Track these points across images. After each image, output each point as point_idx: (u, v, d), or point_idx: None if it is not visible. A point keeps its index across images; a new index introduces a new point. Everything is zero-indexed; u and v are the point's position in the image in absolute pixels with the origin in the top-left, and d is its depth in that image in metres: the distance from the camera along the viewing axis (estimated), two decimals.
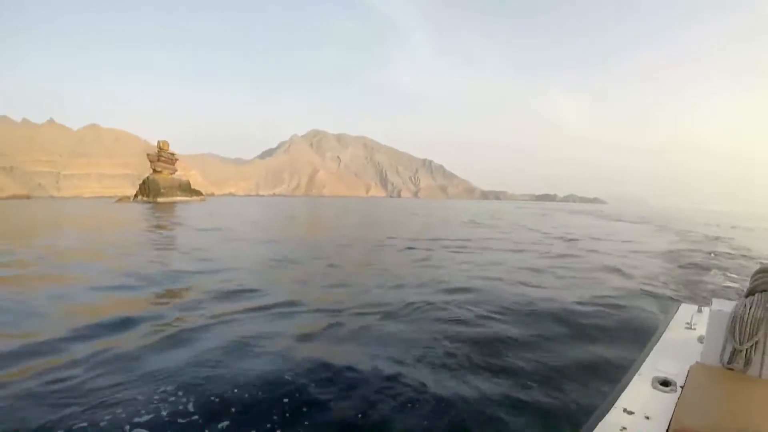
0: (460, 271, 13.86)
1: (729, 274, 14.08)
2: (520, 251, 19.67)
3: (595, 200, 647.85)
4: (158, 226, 32.18)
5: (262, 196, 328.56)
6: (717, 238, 29.53)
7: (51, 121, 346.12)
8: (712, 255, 19.41)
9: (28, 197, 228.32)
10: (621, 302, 9.41)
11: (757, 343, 2.48)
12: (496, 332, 7.42)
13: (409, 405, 4.92)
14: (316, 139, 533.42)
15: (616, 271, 14.18)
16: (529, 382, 5.50)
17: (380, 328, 7.63)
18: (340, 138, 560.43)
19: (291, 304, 8.99)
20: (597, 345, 6.75)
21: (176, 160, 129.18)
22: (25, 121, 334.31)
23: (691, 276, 13.54)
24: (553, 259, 17.13)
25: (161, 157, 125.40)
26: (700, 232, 35.50)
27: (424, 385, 5.39)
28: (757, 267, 2.74)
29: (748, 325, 2.50)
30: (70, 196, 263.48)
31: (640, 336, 6.30)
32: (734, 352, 2.54)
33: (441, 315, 8.40)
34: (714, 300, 3.92)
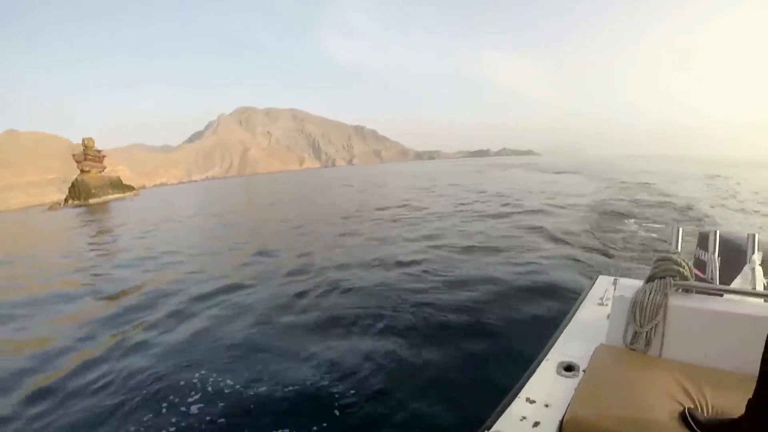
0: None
1: (644, 224, 15.05)
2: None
3: (528, 152, 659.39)
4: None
5: (195, 181, 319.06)
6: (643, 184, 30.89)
7: None
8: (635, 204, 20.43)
9: None
10: (541, 273, 9.54)
11: (657, 325, 2.83)
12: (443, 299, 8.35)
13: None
14: (244, 116, 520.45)
15: (540, 231, 14.62)
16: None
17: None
18: (269, 113, 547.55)
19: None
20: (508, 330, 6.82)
21: (104, 156, 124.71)
22: None
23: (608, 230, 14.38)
24: (482, 221, 17.98)
25: (87, 155, 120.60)
26: (627, 180, 36.30)
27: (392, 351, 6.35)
28: (658, 255, 3.15)
29: (648, 309, 2.84)
30: None
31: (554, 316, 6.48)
32: (636, 335, 2.88)
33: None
34: (619, 280, 4.61)
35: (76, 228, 38.53)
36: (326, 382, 5.70)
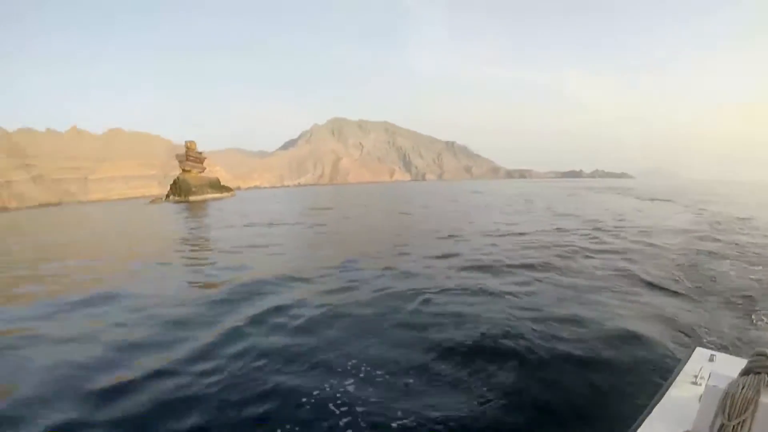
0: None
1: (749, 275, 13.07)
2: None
3: (622, 175, 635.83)
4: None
5: (287, 186, 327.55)
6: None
7: (74, 128, 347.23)
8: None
9: (59, 204, 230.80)
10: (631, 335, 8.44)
11: (744, 421, 2.62)
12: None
13: None
14: (337, 127, 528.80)
15: (629, 275, 13.28)
16: None
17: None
18: (361, 124, 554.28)
19: None
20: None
21: (204, 158, 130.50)
22: (49, 130, 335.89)
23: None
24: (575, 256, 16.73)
25: (189, 156, 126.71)
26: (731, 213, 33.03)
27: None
28: (756, 350, 2.90)
29: (738, 403, 2.66)
30: (97, 200, 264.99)
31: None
32: (722, 427, 2.67)
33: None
34: (717, 356, 4.23)
35: (188, 218, 40.93)
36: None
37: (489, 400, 6.17)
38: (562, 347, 7.73)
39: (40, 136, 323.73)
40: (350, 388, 6.69)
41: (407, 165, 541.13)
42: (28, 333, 10.02)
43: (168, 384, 7.17)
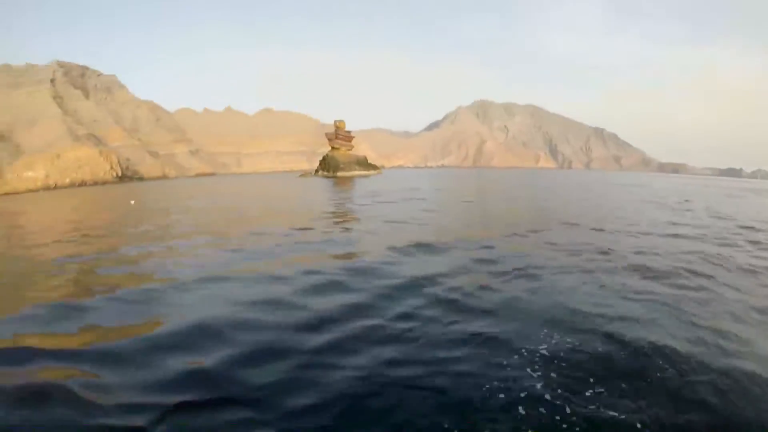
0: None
1: None
2: None
3: None
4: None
5: (431, 167, 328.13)
6: None
7: (229, 108, 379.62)
8: None
9: (213, 174, 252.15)
10: None
11: None
12: None
13: None
14: (482, 109, 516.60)
15: None
16: None
17: None
18: (506, 107, 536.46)
19: None
20: None
21: (352, 137, 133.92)
22: (205, 110, 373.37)
23: None
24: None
25: (338, 135, 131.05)
26: None
27: None
28: None
29: None
30: (249, 172, 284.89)
31: None
32: None
33: None
34: None
35: (340, 190, 43.50)
36: None
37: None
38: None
39: (197, 115, 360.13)
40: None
41: (553, 151, 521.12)
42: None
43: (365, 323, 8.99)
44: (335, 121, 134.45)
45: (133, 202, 54.65)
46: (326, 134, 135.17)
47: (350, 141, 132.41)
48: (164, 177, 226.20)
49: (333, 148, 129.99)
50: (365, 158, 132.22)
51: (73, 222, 31.90)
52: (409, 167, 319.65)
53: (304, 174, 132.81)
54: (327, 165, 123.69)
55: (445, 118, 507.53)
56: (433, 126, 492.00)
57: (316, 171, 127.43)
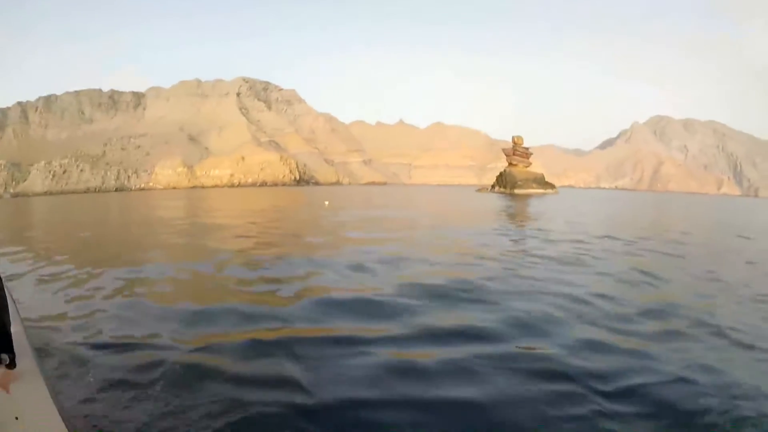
0: None
1: None
2: None
3: None
4: None
5: (603, 188, 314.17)
6: None
7: (401, 122, 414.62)
8: None
9: (384, 184, 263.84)
10: None
11: None
12: None
13: None
14: (659, 127, 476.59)
15: None
16: None
17: None
18: (686, 124, 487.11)
19: None
20: None
21: (530, 153, 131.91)
22: (378, 123, 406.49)
23: None
24: None
25: (516, 151, 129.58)
26: None
27: None
28: None
29: None
30: (419, 184, 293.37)
31: None
32: None
33: None
34: None
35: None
36: None
37: None
38: None
39: (371, 128, 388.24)
40: None
41: (737, 176, 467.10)
42: None
43: None
44: (513, 137, 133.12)
45: (327, 203, 56.96)
46: (503, 150, 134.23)
47: (528, 157, 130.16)
48: (338, 183, 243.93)
49: (510, 164, 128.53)
50: (542, 176, 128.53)
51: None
52: (580, 187, 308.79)
53: (481, 189, 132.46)
54: (504, 181, 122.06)
55: (619, 135, 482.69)
56: (607, 144, 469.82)
57: (493, 186, 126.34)
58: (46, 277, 13.84)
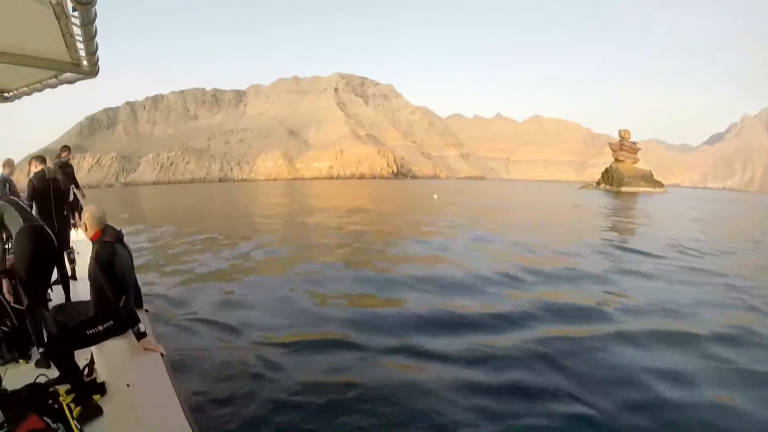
0: None
1: None
2: None
3: None
4: None
5: (711, 188, 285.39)
6: None
7: (499, 116, 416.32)
8: None
9: (482, 178, 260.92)
10: None
11: None
12: None
13: None
14: None
15: None
16: None
17: None
18: None
19: None
20: None
21: (638, 149, 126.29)
22: (476, 116, 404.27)
23: None
24: None
25: (623, 146, 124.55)
26: None
27: None
28: None
29: None
30: (517, 179, 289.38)
31: None
32: None
33: None
34: None
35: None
36: None
37: None
38: None
39: (468, 122, 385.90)
40: None
41: None
42: None
43: None
44: (620, 131, 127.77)
45: (436, 196, 56.75)
46: (610, 144, 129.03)
47: (635, 153, 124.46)
48: (435, 177, 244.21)
49: (617, 159, 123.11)
50: (650, 173, 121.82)
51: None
52: (686, 186, 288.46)
53: (585, 186, 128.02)
54: (610, 178, 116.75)
55: (728, 129, 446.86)
56: (716, 139, 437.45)
57: (598, 184, 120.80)
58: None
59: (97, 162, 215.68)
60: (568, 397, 6.48)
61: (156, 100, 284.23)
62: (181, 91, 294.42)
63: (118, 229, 4.38)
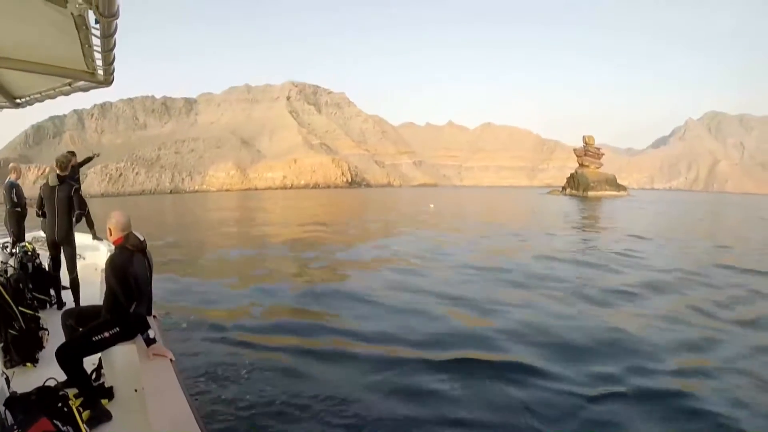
0: None
1: None
2: None
3: None
4: None
5: (656, 189, 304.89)
6: None
7: (450, 123, 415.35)
8: None
9: (435, 185, 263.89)
10: None
11: None
12: None
13: None
14: (714, 123, 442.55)
15: None
16: None
17: None
18: (742, 120, 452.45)
19: None
20: None
21: (602, 154, 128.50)
22: (427, 124, 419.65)
23: None
24: None
25: (587, 151, 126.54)
26: None
27: None
28: None
29: None
30: (469, 185, 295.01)
31: None
32: None
33: None
34: None
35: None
36: None
37: None
38: None
39: (420, 129, 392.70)
40: None
41: None
42: None
43: None
44: (584, 137, 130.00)
45: (432, 206, 55.59)
46: (574, 150, 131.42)
47: (599, 158, 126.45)
48: (389, 185, 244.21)
49: (581, 165, 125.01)
50: (614, 177, 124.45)
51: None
52: (633, 188, 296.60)
53: (552, 191, 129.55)
54: (576, 183, 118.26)
55: (672, 133, 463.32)
56: (660, 142, 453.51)
57: (563, 189, 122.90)
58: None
59: (42, 173, 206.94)
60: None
61: (104, 108, 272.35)
62: (130, 99, 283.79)
63: (142, 238, 4.43)
